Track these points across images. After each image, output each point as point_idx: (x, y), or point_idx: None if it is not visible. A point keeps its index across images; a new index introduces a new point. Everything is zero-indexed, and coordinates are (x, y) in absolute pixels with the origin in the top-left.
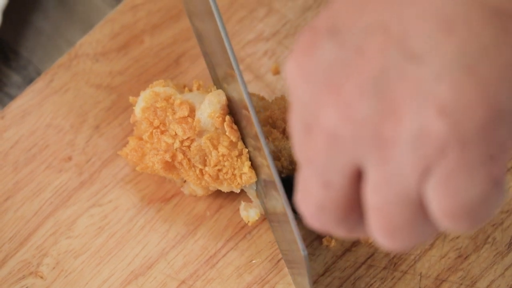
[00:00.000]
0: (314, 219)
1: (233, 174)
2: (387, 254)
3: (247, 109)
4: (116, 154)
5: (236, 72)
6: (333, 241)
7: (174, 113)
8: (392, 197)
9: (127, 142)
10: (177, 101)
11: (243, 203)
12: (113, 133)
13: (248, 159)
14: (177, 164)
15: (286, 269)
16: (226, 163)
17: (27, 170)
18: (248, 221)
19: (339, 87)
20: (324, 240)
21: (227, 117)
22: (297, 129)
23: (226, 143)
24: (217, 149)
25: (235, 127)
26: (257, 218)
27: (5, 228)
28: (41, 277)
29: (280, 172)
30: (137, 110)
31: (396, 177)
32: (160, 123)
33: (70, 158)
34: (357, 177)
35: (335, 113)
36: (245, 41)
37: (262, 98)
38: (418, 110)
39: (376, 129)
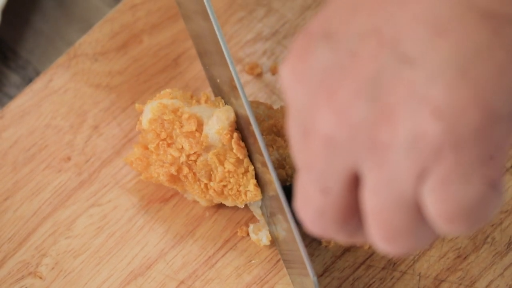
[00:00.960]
0: (314, 225)
1: (238, 191)
2: (386, 255)
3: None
4: (116, 154)
5: (240, 91)
6: (332, 241)
7: (182, 126)
8: (389, 201)
9: (127, 142)
10: (185, 115)
11: (251, 225)
12: (112, 133)
13: (254, 177)
14: (182, 177)
15: (285, 270)
16: (231, 180)
17: (26, 170)
18: (260, 244)
19: (334, 92)
20: (323, 240)
21: (235, 134)
22: (294, 134)
23: (232, 160)
24: (223, 165)
25: (242, 144)
26: (268, 244)
27: (4, 228)
28: (40, 277)
29: (285, 181)
30: (144, 121)
31: (392, 181)
32: (167, 136)
33: (69, 158)
34: (355, 182)
35: (331, 117)
36: (244, 41)
37: (270, 107)
38: (412, 114)
39: (372, 132)
